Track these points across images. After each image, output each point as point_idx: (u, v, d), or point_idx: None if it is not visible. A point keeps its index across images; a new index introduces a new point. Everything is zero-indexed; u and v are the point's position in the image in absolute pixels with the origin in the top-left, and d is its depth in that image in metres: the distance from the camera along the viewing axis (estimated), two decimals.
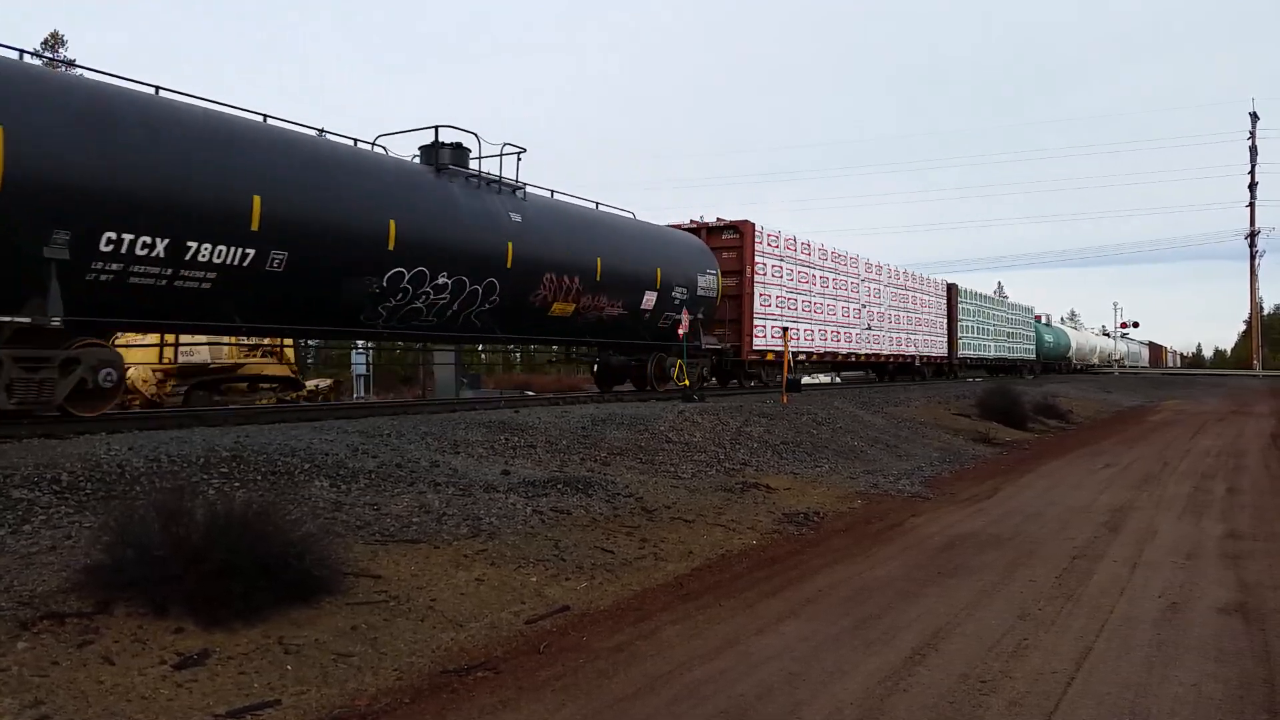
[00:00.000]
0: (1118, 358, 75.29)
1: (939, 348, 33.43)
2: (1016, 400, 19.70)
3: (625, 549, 6.72)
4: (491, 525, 6.63)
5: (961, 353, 35.61)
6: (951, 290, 35.17)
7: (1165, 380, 50.59)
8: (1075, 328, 64.41)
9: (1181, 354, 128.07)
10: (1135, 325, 79.32)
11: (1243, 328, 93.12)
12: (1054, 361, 53.02)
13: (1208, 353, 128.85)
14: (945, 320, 34.11)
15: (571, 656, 4.65)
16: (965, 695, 4.15)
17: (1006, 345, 42.01)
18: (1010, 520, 8.68)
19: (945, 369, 35.14)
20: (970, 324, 36.70)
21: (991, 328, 39.50)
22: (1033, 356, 46.85)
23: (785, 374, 18.30)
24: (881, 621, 5.32)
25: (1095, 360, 65.33)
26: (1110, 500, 9.92)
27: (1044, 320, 53.54)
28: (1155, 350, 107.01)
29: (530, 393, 21.22)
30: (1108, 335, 77.27)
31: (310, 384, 22.95)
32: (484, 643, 4.80)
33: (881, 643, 4.91)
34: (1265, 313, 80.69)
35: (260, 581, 4.55)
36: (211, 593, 4.41)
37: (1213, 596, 5.92)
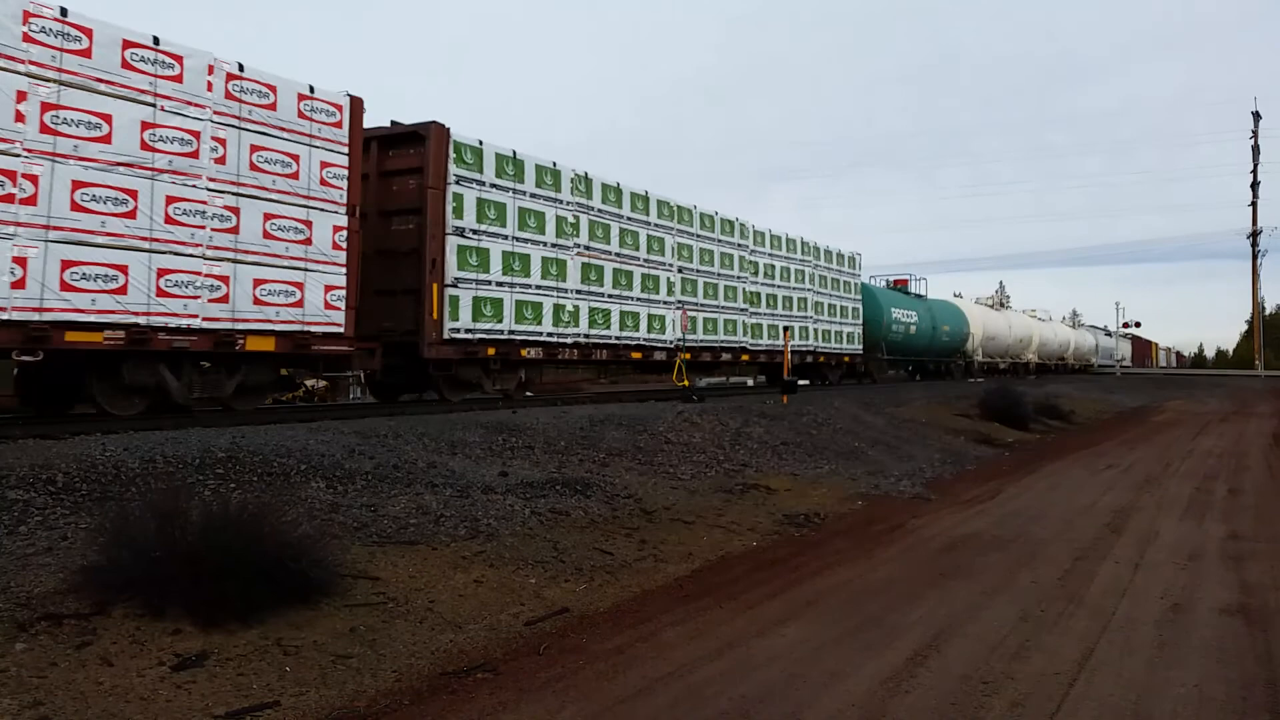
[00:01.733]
0: (1103, 357, 61.23)
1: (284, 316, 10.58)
2: (1018, 401, 19.68)
3: (624, 550, 6.69)
4: (490, 527, 6.60)
5: (466, 325, 13.19)
6: (432, 143, 12.85)
7: (1166, 381, 50.27)
8: (998, 307, 43.04)
9: (1178, 352, 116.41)
10: (1138, 325, 77.30)
11: (1244, 328, 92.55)
12: (930, 359, 33.91)
13: (1209, 352, 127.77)
14: (324, 225, 11.02)
15: (571, 658, 4.63)
16: (967, 696, 4.13)
17: (747, 320, 20.72)
18: (1012, 521, 8.66)
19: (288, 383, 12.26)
20: (535, 252, 14.48)
21: (663, 276, 17.50)
22: (855, 347, 26.67)
23: (785, 372, 18.27)
24: (883, 623, 5.30)
25: (1032, 357, 45.49)
26: (1112, 501, 9.90)
27: (913, 291, 33.97)
28: (1141, 346, 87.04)
29: (529, 393, 21.19)
30: (1049, 321, 55.04)
31: (307, 383, 22.91)
32: (483, 644, 4.78)
33: (883, 644, 4.89)
34: (1267, 312, 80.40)
35: (257, 583, 4.53)
36: (209, 594, 4.39)
37: (1215, 597, 5.90)
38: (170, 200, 9.42)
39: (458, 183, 13.09)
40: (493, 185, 13.73)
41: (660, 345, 17.40)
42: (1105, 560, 6.99)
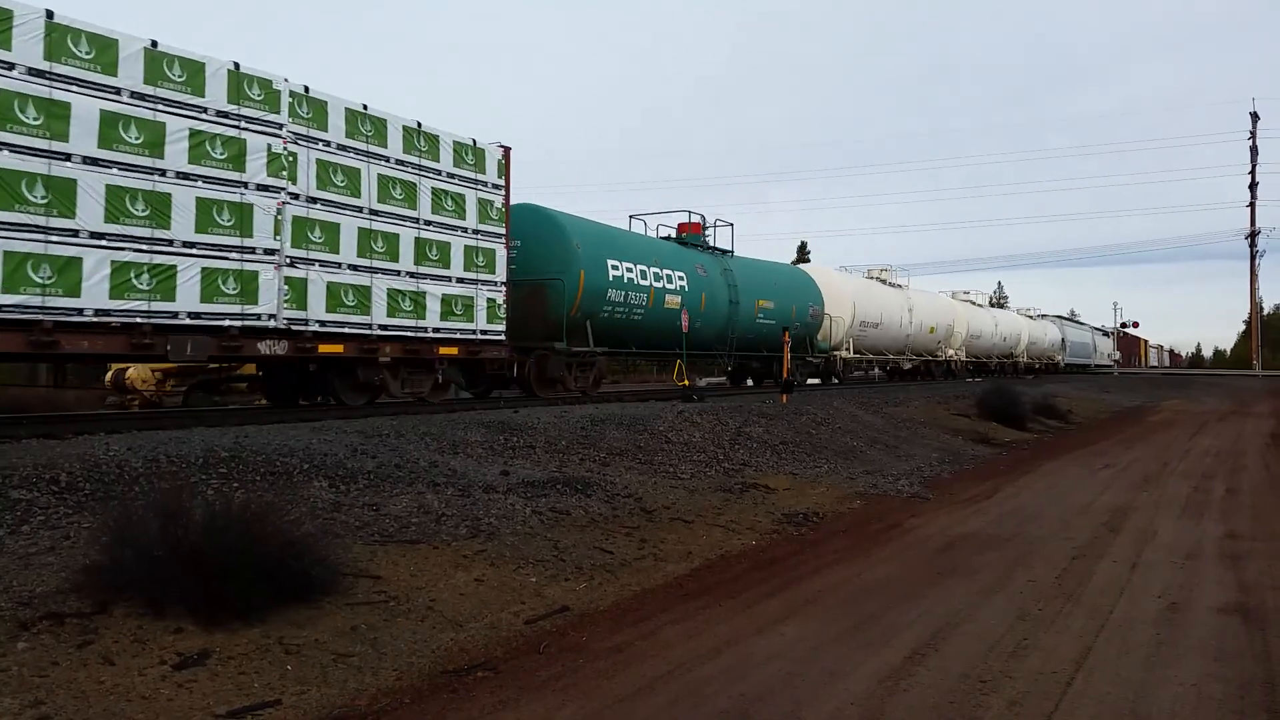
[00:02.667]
0: (1075, 355, 53.07)
1: None
2: (1016, 401, 19.72)
3: (624, 549, 6.72)
4: (491, 526, 6.62)
5: None
6: None
7: (1163, 381, 50.15)
8: (886, 281, 30.07)
9: (1172, 350, 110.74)
10: (1135, 325, 76.75)
11: (1243, 328, 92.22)
12: (725, 352, 20.45)
13: (1207, 352, 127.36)
14: None
15: (571, 657, 4.65)
16: (965, 695, 4.15)
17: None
18: (1010, 520, 8.68)
19: None
20: None
21: None
22: (485, 329, 13.34)
23: (785, 373, 18.31)
24: (881, 622, 5.32)
25: (954, 353, 34.69)
26: (1110, 500, 9.92)
27: (704, 243, 20.51)
28: (1129, 343, 75.76)
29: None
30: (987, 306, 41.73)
31: None
32: (484, 643, 4.80)
33: (881, 643, 4.91)
34: (1265, 312, 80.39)
35: (259, 582, 4.55)
36: (211, 593, 4.41)
37: (1212, 596, 5.92)
38: None
39: None
40: None
41: None
42: (1103, 559, 7.01)
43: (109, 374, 18.74)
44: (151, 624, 4.34)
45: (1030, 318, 47.76)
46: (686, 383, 17.94)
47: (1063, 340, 51.01)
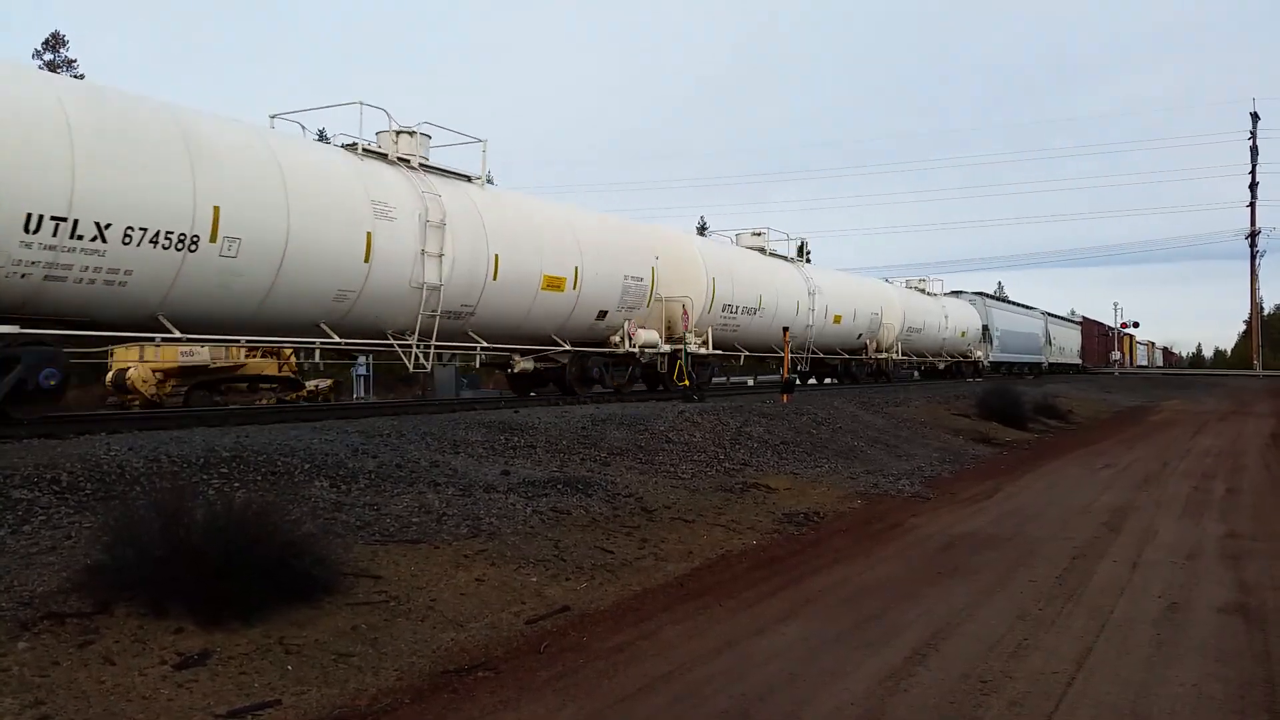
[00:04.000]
0: (1010, 350, 38.56)
1: None
2: (1017, 401, 19.72)
3: (625, 549, 6.72)
4: (491, 525, 6.63)
5: None
6: None
7: (1163, 381, 50.06)
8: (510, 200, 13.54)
9: (1167, 349, 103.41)
10: (1136, 325, 76.18)
11: (1243, 327, 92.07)
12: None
13: (1208, 352, 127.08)
14: None
15: (572, 657, 4.65)
16: (966, 695, 4.15)
17: None
18: (1010, 520, 8.68)
19: None
20: None
21: None
22: None
23: (785, 373, 18.31)
24: (882, 622, 5.32)
25: (667, 346, 17.17)
26: (1110, 500, 9.92)
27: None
28: (1102, 339, 60.62)
29: (531, 393, 21.18)
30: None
31: (310, 384, 23.01)
32: (484, 643, 4.80)
33: (882, 643, 4.91)
34: (1265, 312, 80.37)
35: (260, 581, 4.55)
36: (211, 593, 4.41)
37: (1213, 596, 5.93)
38: None
39: None
40: None
41: None
42: (1103, 559, 7.01)
43: (109, 374, 18.73)
44: (152, 624, 4.34)
45: (923, 292, 32.34)
46: (687, 383, 17.93)
47: (984, 329, 36.13)
